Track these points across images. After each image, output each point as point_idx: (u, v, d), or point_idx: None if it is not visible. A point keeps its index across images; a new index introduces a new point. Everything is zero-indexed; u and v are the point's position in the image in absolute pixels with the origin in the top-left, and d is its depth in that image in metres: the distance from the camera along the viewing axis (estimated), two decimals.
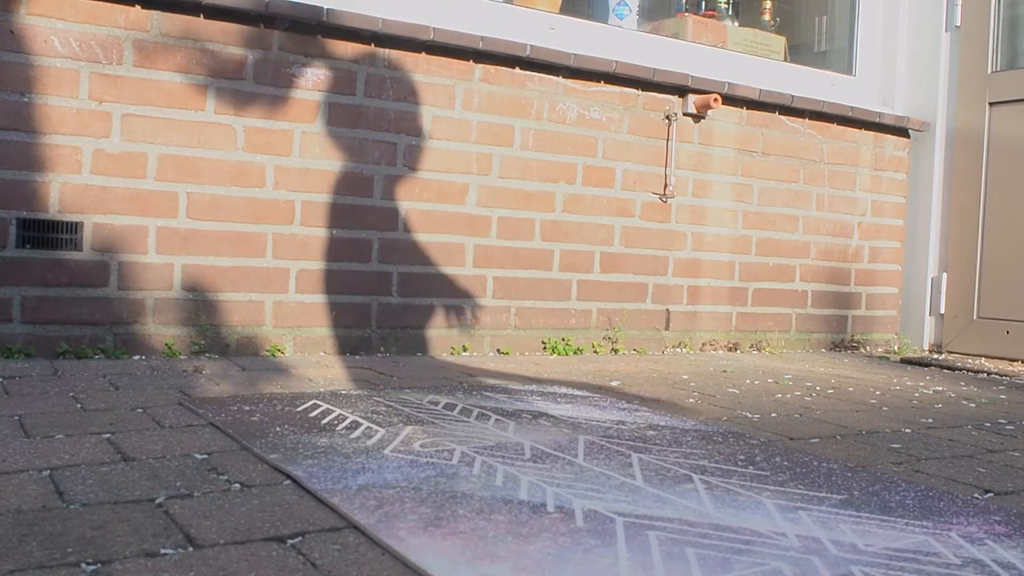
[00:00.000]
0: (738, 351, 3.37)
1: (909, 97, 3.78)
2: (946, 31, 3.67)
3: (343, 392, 1.98)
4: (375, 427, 1.62)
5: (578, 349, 3.01)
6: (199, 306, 2.45)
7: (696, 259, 3.28)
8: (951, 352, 3.63)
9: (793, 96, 3.40)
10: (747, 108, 3.36)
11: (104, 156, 2.33)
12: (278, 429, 1.56)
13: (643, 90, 3.14)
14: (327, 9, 2.53)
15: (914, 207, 3.79)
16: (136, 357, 2.36)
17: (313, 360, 2.49)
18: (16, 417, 1.58)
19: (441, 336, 2.80)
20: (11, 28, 2.23)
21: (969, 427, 2.00)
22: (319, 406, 1.79)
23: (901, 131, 3.76)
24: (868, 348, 3.71)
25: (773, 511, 1.22)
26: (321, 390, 2.00)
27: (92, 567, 0.91)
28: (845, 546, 1.09)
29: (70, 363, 2.20)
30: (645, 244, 3.17)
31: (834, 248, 3.62)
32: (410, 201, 2.74)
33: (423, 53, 2.74)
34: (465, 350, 2.83)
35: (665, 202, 3.20)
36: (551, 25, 3.10)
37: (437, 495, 1.21)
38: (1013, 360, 3.40)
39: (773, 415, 2.02)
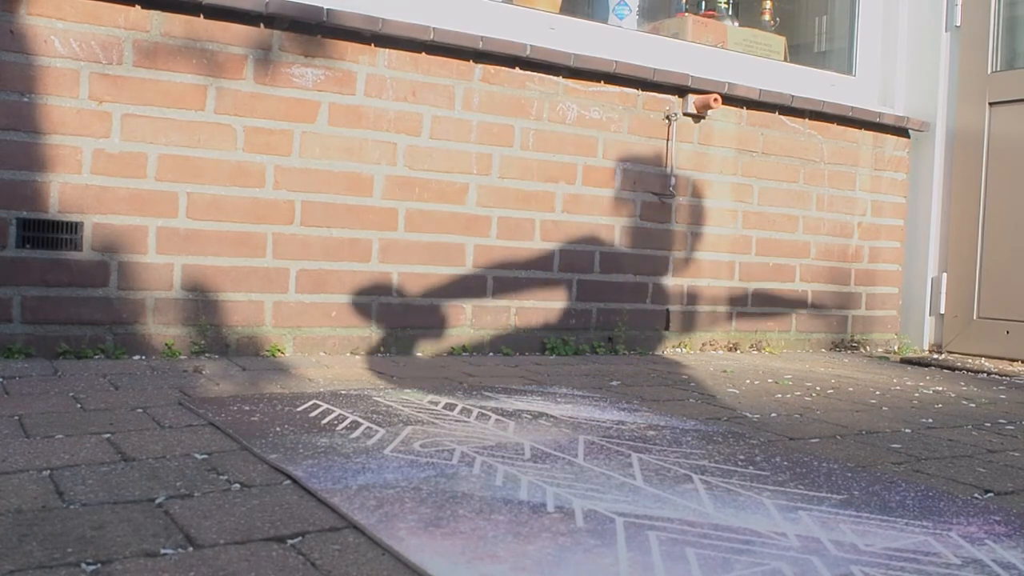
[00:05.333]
0: (738, 351, 3.37)
1: (909, 97, 3.78)
2: (946, 31, 3.67)
3: (343, 392, 1.98)
4: (375, 427, 1.62)
5: (578, 349, 3.01)
6: (199, 306, 2.45)
7: (696, 259, 3.28)
8: (951, 352, 3.63)
9: (793, 96, 3.40)
10: (747, 108, 3.36)
11: (104, 156, 2.33)
12: (278, 429, 1.56)
13: (643, 90, 3.14)
14: (327, 9, 2.53)
15: (914, 207, 3.79)
16: (136, 357, 2.36)
17: (313, 360, 2.49)
18: (16, 417, 1.58)
19: (441, 336, 2.80)
20: (11, 28, 2.23)
21: (969, 427, 2.00)
22: (319, 406, 1.79)
23: (901, 131, 3.76)
24: (868, 348, 3.71)
25: (773, 511, 1.22)
26: (321, 390, 2.00)
27: (92, 567, 0.91)
28: (845, 546, 1.09)
29: (70, 363, 2.20)
30: (645, 244, 3.17)
31: (834, 248, 3.62)
32: (410, 201, 2.74)
33: (423, 53, 2.74)
34: (465, 350, 2.83)
35: (665, 202, 3.20)
36: (551, 25, 3.10)
37: (437, 495, 1.21)
38: (1013, 360, 3.40)
39: (773, 415, 2.02)
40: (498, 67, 2.86)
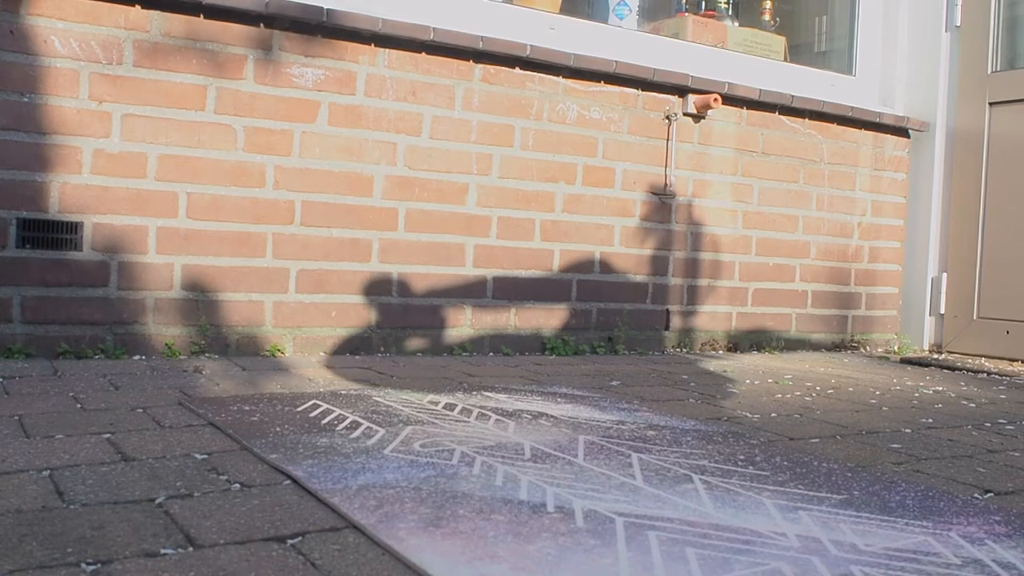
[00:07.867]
0: (738, 351, 3.37)
1: (909, 97, 3.78)
2: (946, 31, 3.67)
3: (343, 392, 1.98)
4: (375, 427, 1.62)
5: (578, 349, 3.01)
6: (199, 306, 2.45)
7: (696, 259, 3.28)
8: (951, 352, 3.63)
9: (793, 96, 3.40)
10: (747, 108, 3.36)
11: (104, 156, 2.33)
12: (278, 429, 1.56)
13: (643, 90, 3.14)
14: (327, 9, 2.53)
15: (914, 207, 3.79)
16: (136, 357, 2.36)
17: (313, 360, 2.49)
18: (16, 417, 1.58)
19: (441, 336, 2.80)
20: (11, 28, 2.23)
21: (969, 427, 2.00)
22: (319, 406, 1.79)
23: (901, 131, 3.76)
24: (868, 348, 3.71)
25: (773, 511, 1.22)
26: (321, 390, 2.00)
27: (92, 567, 0.91)
28: (845, 546, 1.09)
29: (70, 363, 2.20)
30: (645, 244, 3.17)
31: (834, 248, 3.62)
32: (410, 201, 2.74)
33: (423, 53, 2.74)
34: (465, 350, 2.83)
35: (665, 202, 3.20)
36: (551, 25, 3.10)
37: (437, 495, 1.21)
38: (1013, 360, 3.40)
39: (773, 415, 2.02)
40: (498, 67, 2.86)
